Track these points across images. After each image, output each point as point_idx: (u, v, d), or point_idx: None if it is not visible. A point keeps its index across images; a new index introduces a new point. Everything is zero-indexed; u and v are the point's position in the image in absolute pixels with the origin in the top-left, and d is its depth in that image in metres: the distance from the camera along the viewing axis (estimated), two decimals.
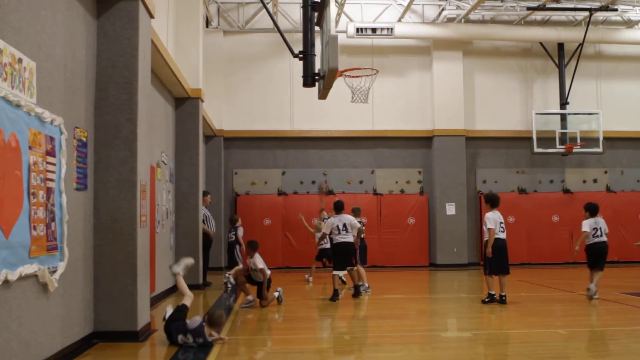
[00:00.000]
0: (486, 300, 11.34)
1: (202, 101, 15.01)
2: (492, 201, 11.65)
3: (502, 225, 11.47)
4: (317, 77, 10.84)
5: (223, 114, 19.58)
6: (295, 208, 19.49)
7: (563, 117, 20.02)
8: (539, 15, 20.54)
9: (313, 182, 19.94)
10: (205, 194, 15.59)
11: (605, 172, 20.92)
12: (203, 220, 15.11)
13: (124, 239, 8.19)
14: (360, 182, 20.15)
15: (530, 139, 19.83)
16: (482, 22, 20.44)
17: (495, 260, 11.38)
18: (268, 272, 11.50)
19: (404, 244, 19.85)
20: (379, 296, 13.09)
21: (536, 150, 19.69)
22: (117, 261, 8.16)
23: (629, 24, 20.88)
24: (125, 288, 8.18)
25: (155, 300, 11.80)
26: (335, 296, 12.25)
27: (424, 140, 20.28)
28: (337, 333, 9.28)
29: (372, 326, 9.87)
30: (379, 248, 19.52)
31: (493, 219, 11.39)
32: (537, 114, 19.91)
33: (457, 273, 17.98)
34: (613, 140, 20.58)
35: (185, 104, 14.55)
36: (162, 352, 7.62)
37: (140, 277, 8.39)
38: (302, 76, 10.91)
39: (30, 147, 6.05)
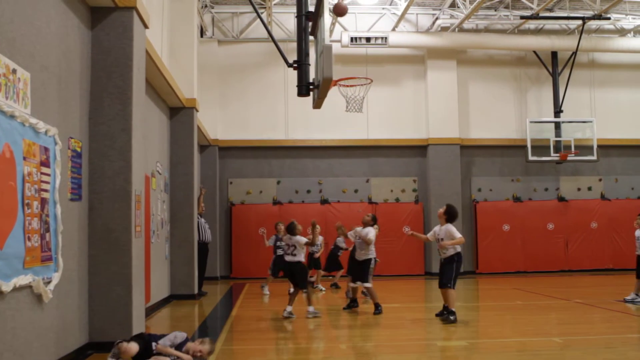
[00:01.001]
0: (451, 318, 10.60)
1: (197, 111, 15.01)
2: (453, 216, 11.03)
3: None
4: (311, 87, 10.83)
5: (218, 123, 19.58)
6: (291, 217, 19.41)
7: (557, 125, 20.07)
8: (532, 24, 20.63)
9: (308, 192, 19.93)
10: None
11: (600, 180, 20.96)
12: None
13: (119, 249, 8.18)
14: (356, 191, 20.15)
15: (524, 147, 19.87)
16: (476, 31, 20.51)
17: (457, 273, 10.91)
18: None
19: (400, 253, 19.83)
20: None
21: (531, 158, 19.73)
22: (112, 271, 8.14)
23: (622, 32, 20.97)
24: (120, 298, 8.16)
25: (151, 311, 11.77)
26: (378, 309, 11.91)
27: (419, 149, 20.30)
28: (333, 342, 9.26)
29: (368, 335, 9.84)
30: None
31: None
32: (531, 122, 19.97)
33: None
34: (607, 148, 20.63)
35: (179, 113, 14.55)
36: None
37: (135, 287, 8.37)
38: (297, 86, 10.90)
39: (24, 158, 6.03)
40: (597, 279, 18.54)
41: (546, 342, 8.82)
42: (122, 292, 8.16)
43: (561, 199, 20.63)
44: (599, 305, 12.27)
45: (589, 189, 20.92)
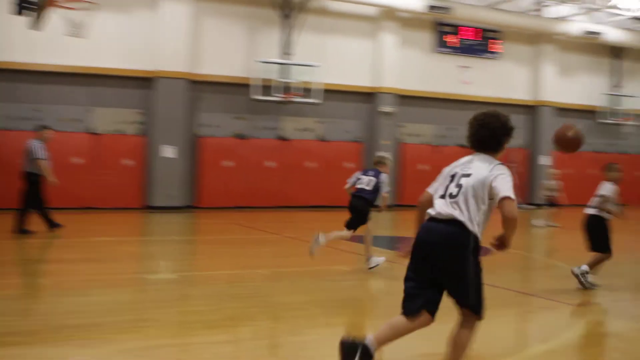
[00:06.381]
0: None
1: None
2: None
3: None
4: (29, 6, 10.10)
5: None
6: (8, 145, 17.97)
7: (285, 68, 20.60)
8: None
9: (25, 119, 18.53)
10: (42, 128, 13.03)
11: (320, 123, 22.02)
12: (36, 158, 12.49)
13: None
14: (77, 120, 19.17)
15: (251, 86, 20.19)
16: None
17: None
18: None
19: (116, 185, 19.15)
20: (87, 239, 12.66)
21: (255, 97, 20.13)
22: None
23: None
24: None
25: None
26: None
27: (146, 81, 19.74)
28: (32, 278, 8.86)
29: (75, 270, 9.51)
30: (91, 189, 18.72)
31: None
32: (259, 61, 20.29)
33: (173, 215, 17.99)
34: (330, 93, 21.56)
35: None
36: None
37: None
38: (14, 4, 10.11)
39: None
40: (311, 214, 19.63)
41: (253, 274, 9.20)
42: None
43: (282, 138, 21.38)
44: (308, 240, 13.00)
45: (309, 130, 21.91)
